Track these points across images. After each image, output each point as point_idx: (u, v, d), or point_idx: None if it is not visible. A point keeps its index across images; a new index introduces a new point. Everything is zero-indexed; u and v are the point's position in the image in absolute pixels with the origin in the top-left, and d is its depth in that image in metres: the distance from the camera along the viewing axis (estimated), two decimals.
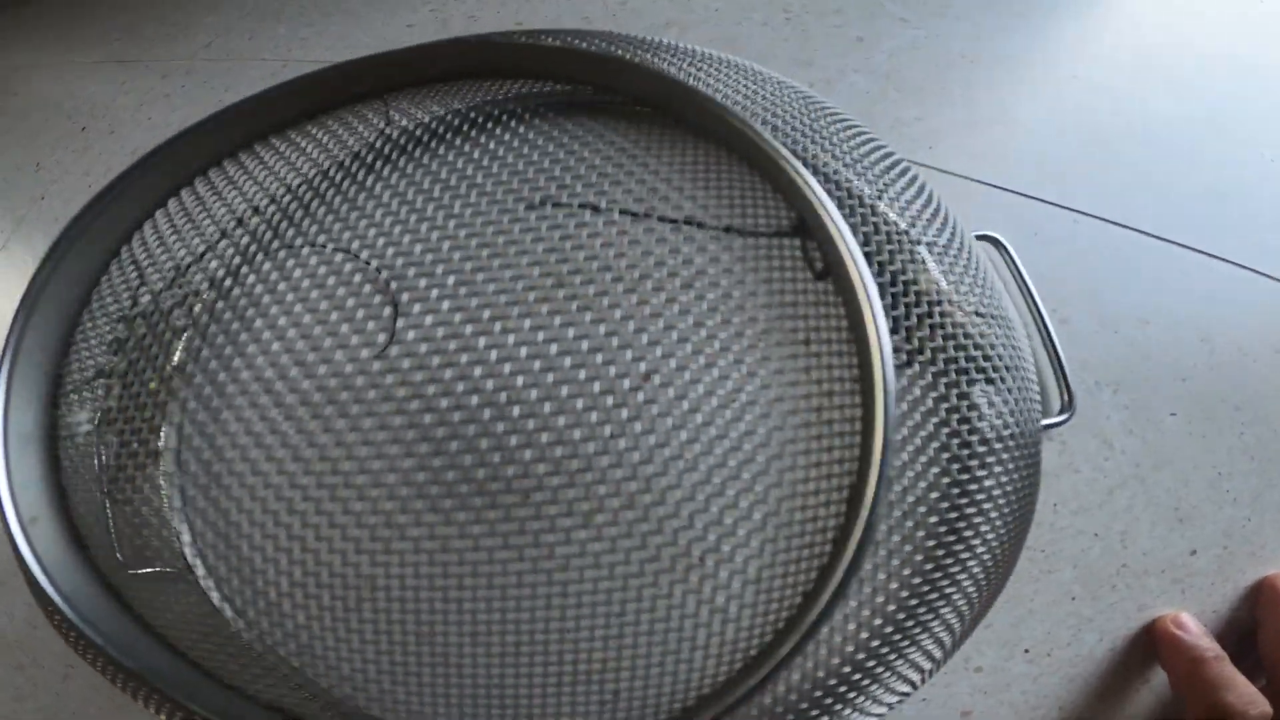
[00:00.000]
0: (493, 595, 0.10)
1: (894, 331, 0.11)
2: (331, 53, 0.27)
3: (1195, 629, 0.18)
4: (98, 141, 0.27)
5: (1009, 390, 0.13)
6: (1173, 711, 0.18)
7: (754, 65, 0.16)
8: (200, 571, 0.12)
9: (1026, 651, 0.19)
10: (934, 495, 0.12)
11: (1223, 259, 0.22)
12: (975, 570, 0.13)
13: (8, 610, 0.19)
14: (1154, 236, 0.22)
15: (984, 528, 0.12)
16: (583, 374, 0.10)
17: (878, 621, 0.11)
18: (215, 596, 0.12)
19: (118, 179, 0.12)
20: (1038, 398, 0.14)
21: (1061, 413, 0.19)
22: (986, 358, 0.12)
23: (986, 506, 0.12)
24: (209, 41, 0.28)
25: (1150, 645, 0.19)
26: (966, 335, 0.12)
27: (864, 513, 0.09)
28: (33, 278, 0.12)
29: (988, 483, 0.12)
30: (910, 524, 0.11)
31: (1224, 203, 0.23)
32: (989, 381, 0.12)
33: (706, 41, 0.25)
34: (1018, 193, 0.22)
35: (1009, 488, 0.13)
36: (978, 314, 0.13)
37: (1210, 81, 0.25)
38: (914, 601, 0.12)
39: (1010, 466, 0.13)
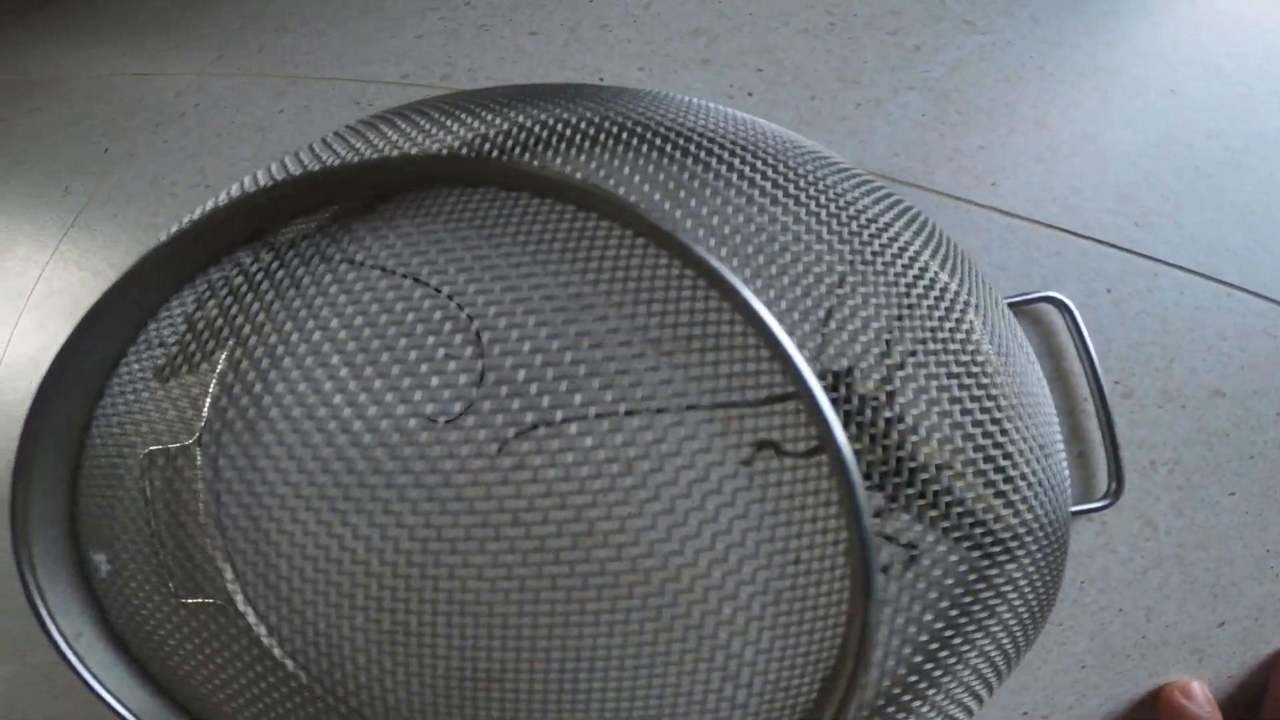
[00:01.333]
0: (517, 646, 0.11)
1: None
2: (337, 68, 0.26)
3: (1201, 698, 0.18)
4: (118, 165, 0.27)
5: (1030, 498, 0.12)
6: None
7: (758, 124, 0.14)
8: (239, 600, 0.12)
9: (1025, 714, 0.19)
10: (945, 581, 0.11)
11: None
12: (984, 667, 0.12)
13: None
14: (1245, 291, 0.19)
15: (982, 639, 0.12)
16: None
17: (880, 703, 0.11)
18: (263, 632, 0.12)
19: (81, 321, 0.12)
20: (1067, 484, 0.13)
21: (1104, 498, 0.18)
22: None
23: (997, 606, 0.12)
24: (219, 54, 0.27)
25: (1155, 712, 0.18)
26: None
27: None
28: (24, 425, 0.12)
29: (999, 576, 0.11)
30: (913, 631, 0.11)
31: None
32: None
33: (737, 53, 0.23)
34: (1091, 238, 0.20)
35: (1025, 582, 0.12)
36: (998, 407, 0.12)
37: None
38: (917, 702, 0.11)
39: (1031, 558, 0.12)
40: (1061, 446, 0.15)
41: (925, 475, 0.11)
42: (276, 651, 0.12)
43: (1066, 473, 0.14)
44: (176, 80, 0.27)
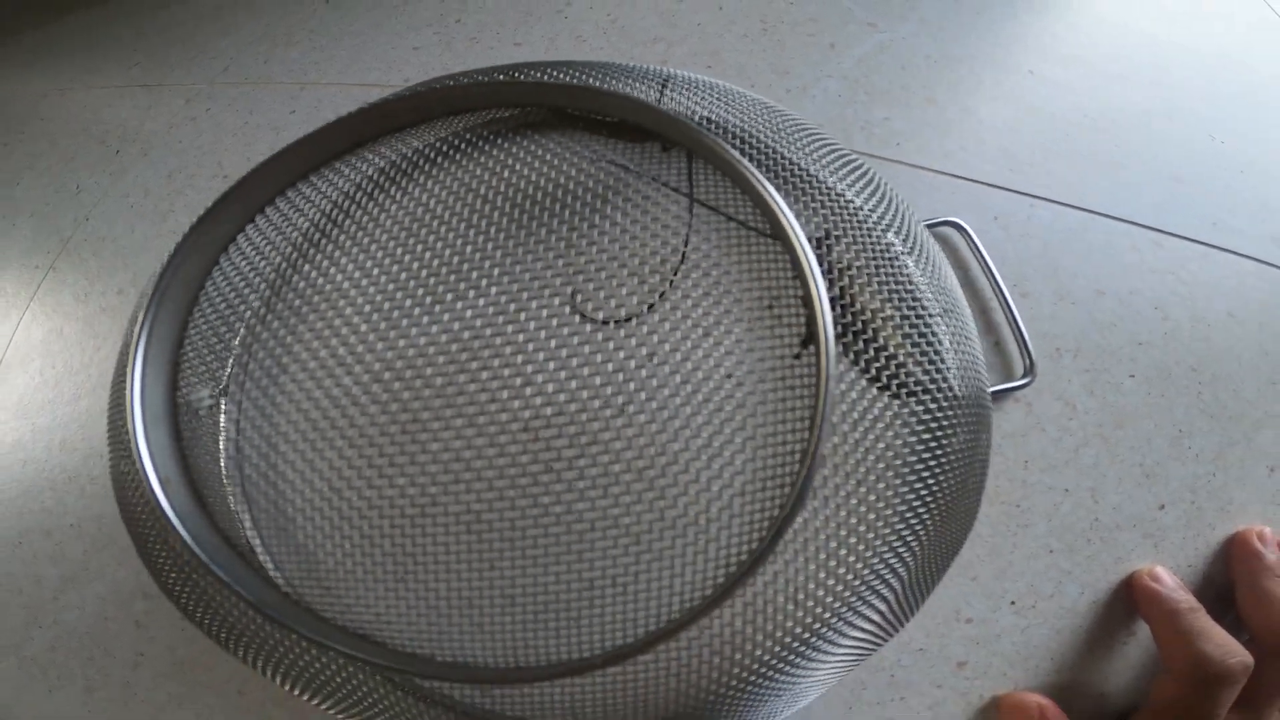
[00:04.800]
0: (522, 560, 0.12)
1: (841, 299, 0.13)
2: (343, 75, 0.29)
3: (1170, 581, 0.19)
4: (133, 164, 0.29)
5: (949, 335, 0.14)
6: (1163, 666, 0.19)
7: (730, 85, 0.18)
8: (259, 549, 0.13)
9: (1013, 603, 0.20)
10: (886, 436, 0.13)
11: (1173, 234, 0.24)
12: (923, 511, 0.14)
13: (79, 604, 0.20)
14: (1107, 216, 0.24)
15: (934, 465, 0.14)
16: (596, 356, 0.12)
17: (842, 550, 0.12)
18: (277, 578, 0.13)
19: (214, 204, 0.15)
20: (979, 351, 0.16)
21: (1023, 376, 0.21)
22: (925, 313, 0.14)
23: (931, 443, 0.13)
24: (226, 65, 0.30)
25: (1131, 599, 0.20)
26: (914, 297, 0.14)
27: (814, 444, 0.10)
28: (156, 281, 0.14)
29: (932, 425, 0.14)
30: (861, 462, 0.13)
31: (1175, 184, 0.25)
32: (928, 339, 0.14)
33: (690, 55, 0.28)
34: (978, 181, 0.24)
35: (953, 431, 0.14)
36: (921, 272, 0.15)
37: (1161, 71, 0.27)
38: (871, 534, 0.13)
39: (953, 412, 0.14)
40: (975, 335, 0.17)
41: (864, 317, 0.14)
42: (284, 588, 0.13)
43: (980, 355, 0.17)
44: (187, 89, 0.30)
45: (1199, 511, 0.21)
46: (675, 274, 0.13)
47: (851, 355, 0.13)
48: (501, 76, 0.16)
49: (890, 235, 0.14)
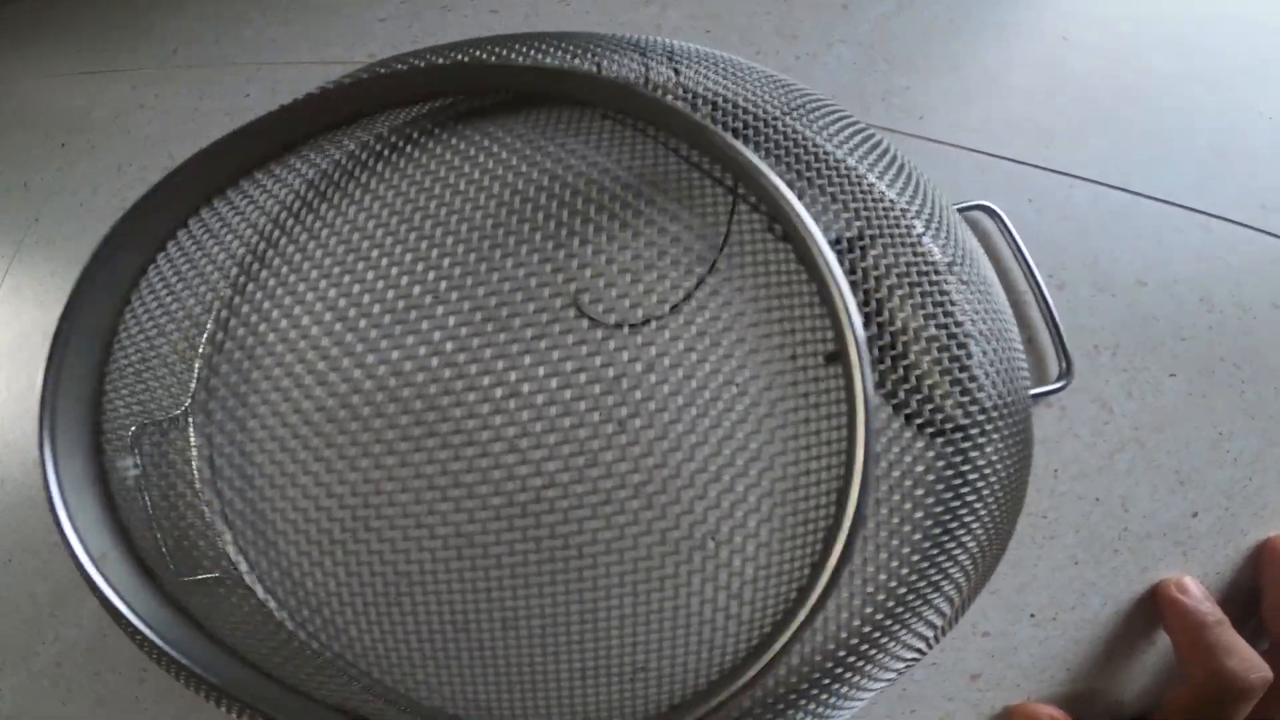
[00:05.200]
0: (518, 585, 0.11)
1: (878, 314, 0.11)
2: (301, 53, 0.26)
3: (1197, 593, 0.18)
4: (81, 158, 0.27)
5: (990, 361, 0.13)
6: (1180, 675, 0.18)
7: (732, 56, 0.15)
8: (244, 568, 0.12)
9: (1032, 616, 0.19)
10: (924, 473, 0.12)
11: (1220, 217, 0.22)
12: (969, 543, 0.13)
13: (75, 620, 0.20)
14: (1149, 198, 0.22)
15: (975, 501, 0.12)
16: (596, 388, 0.10)
17: (881, 596, 0.12)
18: (259, 591, 0.12)
19: (112, 231, 0.13)
20: (1024, 365, 0.14)
21: (1059, 379, 0.19)
22: (964, 333, 0.12)
23: (975, 480, 0.12)
24: (175, 48, 0.28)
25: (1154, 609, 0.19)
26: (947, 313, 0.12)
27: (852, 500, 0.09)
28: (54, 338, 0.12)
29: (975, 458, 0.12)
30: (903, 500, 0.11)
31: (1221, 162, 0.23)
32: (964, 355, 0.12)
33: (688, 18, 0.25)
34: (1010, 159, 0.22)
35: (997, 461, 0.13)
36: (961, 281, 0.13)
37: (1206, 40, 0.25)
38: (914, 576, 0.12)
39: (997, 439, 0.13)
40: (1019, 346, 0.16)
41: (893, 328, 0.12)
42: (279, 615, 0.12)
43: (1025, 370, 0.15)
44: (133, 75, 0.27)
45: (1232, 518, 0.20)
46: (704, 274, 0.12)
47: (877, 375, 0.12)
48: (463, 58, 0.13)
49: (927, 240, 0.13)
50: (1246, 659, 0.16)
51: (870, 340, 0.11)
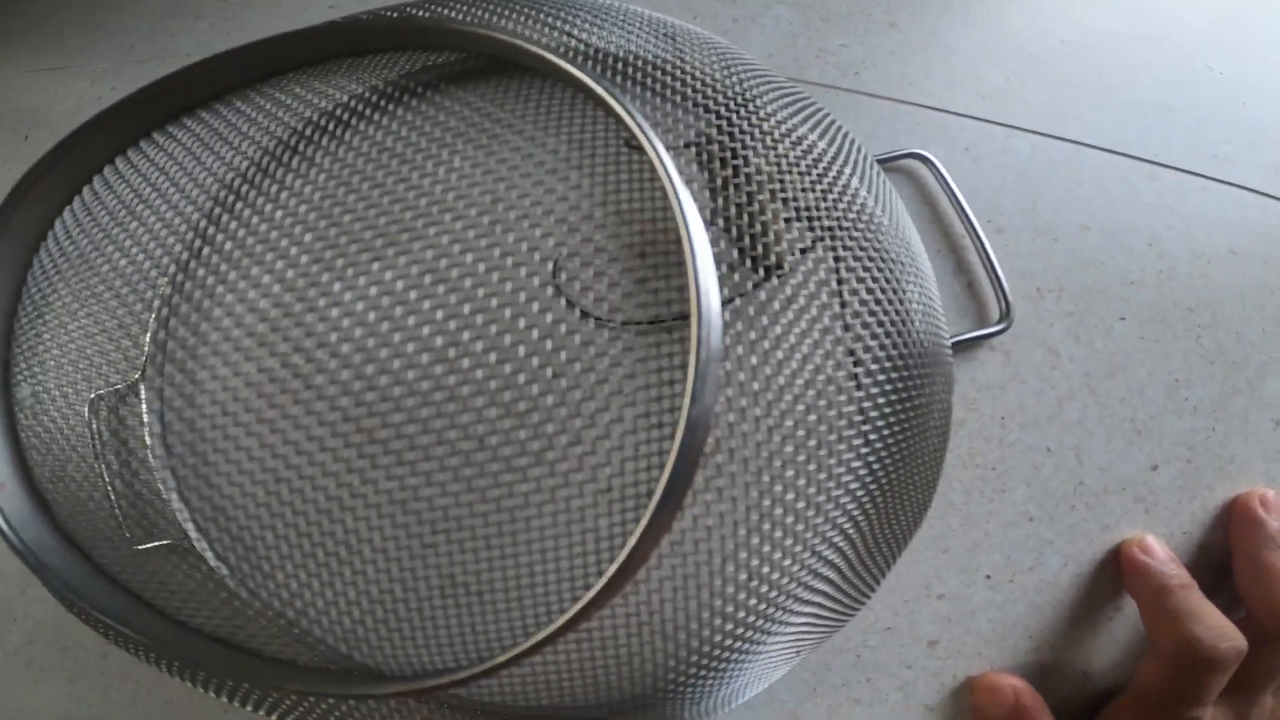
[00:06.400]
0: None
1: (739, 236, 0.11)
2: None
3: (1161, 554, 0.17)
4: (44, 151, 0.27)
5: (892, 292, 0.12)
6: (1150, 647, 0.17)
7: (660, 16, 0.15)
8: (195, 536, 0.12)
9: (988, 577, 0.18)
10: (807, 402, 0.11)
11: (1168, 165, 0.22)
12: (863, 473, 0.12)
13: (45, 596, 0.19)
14: (1092, 146, 0.22)
15: (855, 437, 0.12)
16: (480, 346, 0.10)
17: (755, 518, 0.11)
18: (210, 557, 0.12)
19: (38, 164, 0.13)
20: (936, 301, 0.14)
21: (1000, 321, 0.19)
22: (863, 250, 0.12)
23: (859, 417, 0.12)
24: (132, 44, 0.29)
25: (1117, 571, 0.18)
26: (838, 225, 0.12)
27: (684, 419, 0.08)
28: None
29: (879, 397, 0.12)
30: (779, 425, 0.11)
31: (1168, 115, 0.22)
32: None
33: None
34: (945, 110, 0.22)
35: (893, 398, 0.12)
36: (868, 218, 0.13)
37: (1152, 1, 0.25)
38: (799, 500, 0.11)
39: (912, 377, 0.12)
40: (930, 276, 0.15)
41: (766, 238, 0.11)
42: (230, 583, 0.12)
43: (935, 298, 0.15)
44: (92, 69, 0.28)
45: (1196, 471, 0.19)
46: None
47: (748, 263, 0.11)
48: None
49: (813, 136, 0.12)
50: (1215, 626, 0.15)
51: (736, 243, 0.11)
